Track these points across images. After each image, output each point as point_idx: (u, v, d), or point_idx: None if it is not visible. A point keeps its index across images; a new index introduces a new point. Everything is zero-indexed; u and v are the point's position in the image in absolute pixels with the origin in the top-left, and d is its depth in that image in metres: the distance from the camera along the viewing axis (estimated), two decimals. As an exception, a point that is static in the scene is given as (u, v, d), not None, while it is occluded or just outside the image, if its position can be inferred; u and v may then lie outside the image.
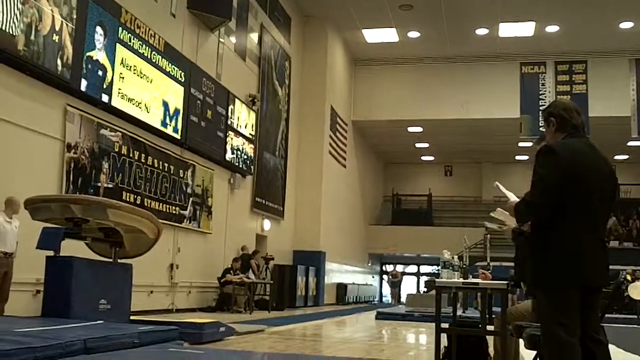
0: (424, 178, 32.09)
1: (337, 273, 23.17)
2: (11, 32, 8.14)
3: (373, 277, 31.22)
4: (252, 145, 16.60)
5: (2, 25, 7.96)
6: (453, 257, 5.36)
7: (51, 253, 6.61)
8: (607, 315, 4.01)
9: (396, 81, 24.08)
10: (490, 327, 5.44)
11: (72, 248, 7.06)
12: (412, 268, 33.13)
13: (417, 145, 28.74)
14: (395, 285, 29.15)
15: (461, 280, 5.14)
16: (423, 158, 31.64)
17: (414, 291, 28.32)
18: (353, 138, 25.22)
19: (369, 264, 30.03)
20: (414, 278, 32.81)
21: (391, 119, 24.35)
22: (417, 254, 29.99)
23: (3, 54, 8.16)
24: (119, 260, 7.49)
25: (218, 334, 7.80)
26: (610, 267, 3.62)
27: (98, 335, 4.65)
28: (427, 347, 8.37)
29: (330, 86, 21.72)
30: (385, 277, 32.90)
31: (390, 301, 30.05)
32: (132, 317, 7.46)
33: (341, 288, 23.45)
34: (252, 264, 15.27)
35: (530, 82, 20.86)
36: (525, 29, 21.22)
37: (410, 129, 25.91)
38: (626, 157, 27.24)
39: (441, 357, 5.57)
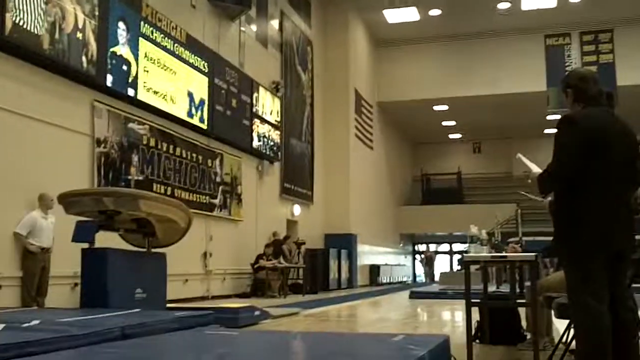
0: (452, 156, 31.90)
1: (369, 255, 23.24)
2: (36, 32, 8.30)
3: (405, 257, 31.22)
4: (278, 132, 16.68)
5: (27, 25, 8.12)
6: (480, 232, 5.37)
7: (86, 245, 6.77)
8: (635, 285, 4.00)
9: (419, 60, 23.91)
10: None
11: (106, 240, 7.22)
12: (445, 247, 33.04)
13: (444, 123, 28.55)
14: (428, 265, 29.13)
15: (489, 254, 5.15)
16: (450, 136, 31.43)
17: (447, 270, 28.28)
18: (379, 120, 25.15)
19: (401, 245, 30.04)
20: (447, 257, 32.74)
21: (416, 99, 24.20)
22: (449, 233, 29.88)
23: (30, 54, 8.33)
24: (152, 250, 7.63)
25: (253, 318, 7.94)
26: (637, 237, 3.61)
27: (135, 322, 4.77)
28: (462, 323, 8.41)
29: (354, 69, 21.66)
30: (417, 257, 32.90)
31: (423, 280, 30.06)
32: (168, 305, 7.62)
33: (374, 269, 23.51)
34: (283, 249, 15.40)
35: (555, 55, 20.57)
36: (547, 0, 20.86)
37: (436, 108, 25.74)
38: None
39: (474, 331, 5.62)
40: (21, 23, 8.02)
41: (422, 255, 29.39)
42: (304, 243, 16.87)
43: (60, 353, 3.62)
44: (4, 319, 4.42)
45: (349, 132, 21.15)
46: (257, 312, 8.12)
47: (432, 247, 32.32)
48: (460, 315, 10.15)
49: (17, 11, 7.95)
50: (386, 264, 25.34)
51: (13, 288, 8.04)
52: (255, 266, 14.29)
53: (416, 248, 33.17)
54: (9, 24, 7.83)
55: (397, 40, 24.05)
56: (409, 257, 32.39)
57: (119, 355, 3.43)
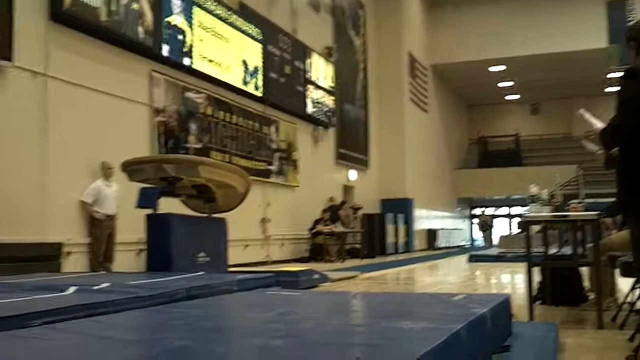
0: (509, 118, 31.27)
1: (426, 219, 23.15)
2: (93, 5, 8.46)
3: (463, 221, 30.97)
4: (332, 97, 16.65)
5: (85, -2, 8.28)
6: (541, 192, 5.27)
7: (150, 211, 6.96)
8: None
9: (474, 21, 23.37)
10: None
11: (169, 206, 7.42)
12: (503, 210, 32.59)
13: (501, 84, 27.93)
14: (486, 229, 28.75)
15: (549, 213, 5.06)
16: (507, 97, 30.74)
17: (506, 233, 27.94)
18: (433, 82, 24.80)
19: (458, 209, 29.78)
20: (506, 220, 32.31)
21: (471, 60, 23.75)
22: (507, 196, 29.44)
23: (88, 26, 8.51)
24: (213, 215, 7.80)
25: (313, 281, 8.05)
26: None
27: (199, 284, 4.91)
28: (522, 285, 8.33)
29: (407, 31, 21.35)
30: (475, 220, 32.55)
31: (482, 244, 29.79)
32: (229, 269, 7.80)
33: (431, 234, 23.44)
34: (340, 214, 15.50)
35: (616, 10, 19.78)
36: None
37: (492, 69, 25.19)
38: None
39: (536, 292, 5.57)
40: (79, -4, 8.19)
41: (479, 219, 28.99)
42: (360, 208, 16.93)
43: (129, 312, 3.77)
44: (75, 282, 4.61)
45: (403, 96, 20.94)
46: (316, 275, 8.23)
47: (490, 210, 31.91)
48: (520, 278, 10.04)
49: (75, -16, 8.11)
50: (443, 228, 25.21)
51: (81, 254, 8.36)
52: (313, 231, 14.44)
53: (474, 212, 32.81)
54: (68, -2, 8.01)
55: (451, 0, 23.53)
56: (467, 221, 32.11)
57: (185, 313, 3.54)
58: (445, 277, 11.04)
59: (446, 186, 26.82)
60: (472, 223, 32.79)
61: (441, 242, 24.23)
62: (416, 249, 21.12)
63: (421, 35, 23.29)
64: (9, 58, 7.28)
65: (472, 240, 32.41)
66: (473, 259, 14.80)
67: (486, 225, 28.57)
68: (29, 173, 7.66)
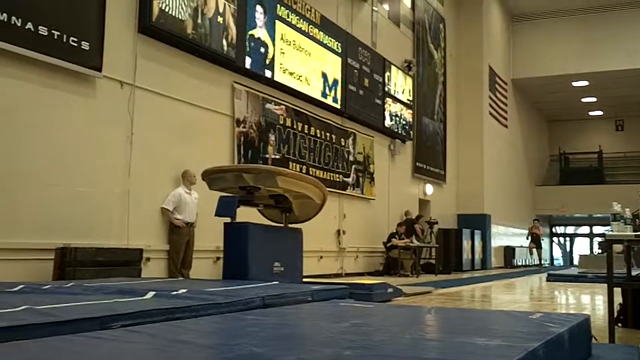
0: (592, 134, 30.18)
1: (503, 236, 22.62)
2: (180, 18, 8.75)
3: (542, 239, 30.02)
4: (410, 111, 16.57)
5: (172, 11, 8.58)
6: (624, 210, 5.06)
7: (228, 220, 7.11)
8: None
9: (557, 34, 22.79)
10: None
11: (246, 215, 7.55)
12: (584, 229, 31.46)
13: (584, 100, 27.06)
14: (534, 241, 23.46)
15: (632, 233, 4.86)
16: (591, 113, 29.72)
17: (587, 252, 26.91)
18: (514, 97, 24.31)
19: (537, 227, 28.91)
20: (586, 239, 31.16)
21: (554, 75, 23.15)
22: (589, 214, 28.40)
23: (174, 39, 8.80)
24: (289, 225, 7.89)
25: (386, 295, 8.00)
26: None
27: (274, 292, 4.97)
28: (603, 306, 8.02)
29: (488, 45, 21.03)
30: (555, 239, 31.50)
31: (561, 263, 28.79)
32: (304, 280, 7.86)
33: (509, 251, 22.88)
34: (416, 229, 15.36)
35: None
36: None
37: (575, 84, 24.48)
38: None
39: (616, 314, 5.36)
40: (167, 9, 8.50)
41: (528, 230, 23.45)
42: (436, 222, 16.73)
43: (205, 318, 3.86)
44: (153, 288, 4.76)
45: (483, 110, 20.60)
46: (390, 289, 8.18)
47: (570, 229, 30.71)
48: (601, 299, 9.67)
49: (163, -1, 8.42)
50: (522, 246, 24.54)
51: (160, 260, 8.60)
52: (388, 245, 14.36)
53: (554, 230, 31.79)
54: (155, 11, 8.32)
55: (533, 14, 23.07)
56: (546, 239, 31.15)
57: (261, 321, 3.60)
58: (522, 295, 10.75)
59: (525, 203, 26.14)
60: (552, 241, 31.77)
61: (519, 260, 23.58)
62: (493, 266, 20.65)
63: (502, 49, 22.89)
64: (99, 69, 7.61)
65: (552, 259, 31.40)
66: (551, 278, 14.34)
67: (535, 238, 23.05)
68: (115, 179, 7.97)
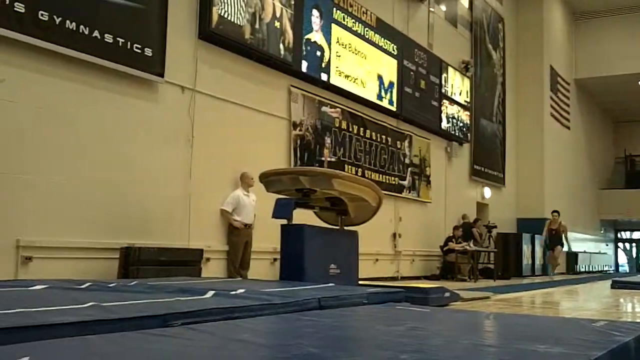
0: (661, 136, 29.17)
1: (565, 241, 22.03)
2: (239, 23, 8.90)
3: (607, 245, 29.17)
4: (468, 113, 16.37)
5: (230, 17, 8.74)
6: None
7: (284, 222, 7.18)
8: None
9: (622, 32, 22.10)
10: None
11: (302, 217, 7.61)
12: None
13: (653, 100, 26.19)
14: (553, 242, 18.14)
15: None
16: (660, 114, 28.74)
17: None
18: (576, 97, 23.70)
19: (602, 231, 28.09)
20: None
21: (619, 74, 22.44)
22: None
23: (233, 44, 8.95)
24: (345, 228, 7.91)
25: (443, 299, 7.89)
26: None
27: (330, 294, 4.99)
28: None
29: (548, 45, 20.58)
30: (620, 245, 30.54)
31: (627, 270, 27.92)
32: (359, 282, 7.85)
33: (571, 257, 22.27)
34: (473, 232, 15.15)
35: None
36: None
37: (643, 83, 23.70)
38: None
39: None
40: (225, 15, 8.65)
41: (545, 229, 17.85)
42: (495, 227, 16.45)
43: (263, 318, 3.91)
44: (213, 287, 4.85)
45: (544, 111, 20.17)
46: (447, 294, 8.08)
47: (637, 234, 29.78)
48: (670, 307, 9.33)
49: (222, 4, 8.59)
50: (585, 252, 23.89)
51: (219, 261, 8.76)
52: (445, 249, 14.21)
53: (619, 235, 30.82)
54: (215, 17, 8.49)
55: (597, 11, 22.44)
56: (611, 245, 30.23)
57: (317, 322, 3.62)
58: (586, 302, 10.46)
59: (588, 207, 25.42)
60: (617, 247, 30.82)
61: (582, 265, 22.96)
62: (555, 271, 20.15)
63: (564, 48, 22.36)
64: (161, 74, 7.81)
65: (617, 265, 30.45)
66: (617, 285, 13.89)
67: (553, 238, 17.60)
68: (176, 181, 8.16)
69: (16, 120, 6.43)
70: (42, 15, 6.43)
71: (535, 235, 18.71)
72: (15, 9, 6.19)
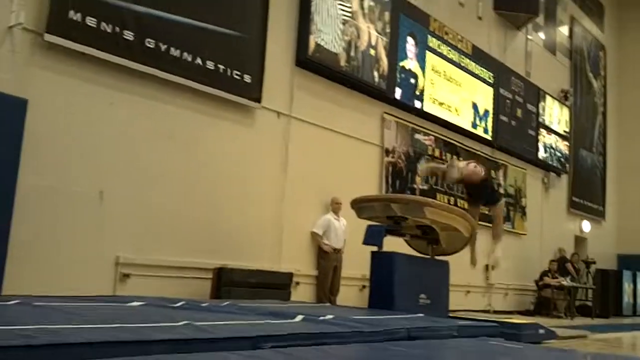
0: None
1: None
2: (334, 51, 9.03)
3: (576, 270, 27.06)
4: (567, 142, 15.84)
5: (327, 45, 8.88)
6: None
7: (375, 248, 7.15)
8: None
9: None
10: None
11: (392, 244, 7.55)
12: None
13: None
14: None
15: None
16: None
17: None
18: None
19: None
20: None
21: None
22: None
23: (329, 71, 9.08)
24: (436, 257, 7.78)
25: (537, 336, 7.61)
26: None
27: (420, 325, 4.91)
28: None
29: (655, 73, 19.66)
30: None
31: None
32: (449, 314, 7.69)
33: (677, 297, 20.93)
34: (568, 267, 14.54)
35: None
36: None
37: None
38: None
39: None
40: (322, 43, 8.81)
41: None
42: (594, 262, 15.74)
43: (350, 346, 3.89)
44: (302, 311, 4.88)
45: (648, 143, 19.23)
46: (541, 331, 7.77)
47: None
48: None
49: (319, 33, 8.75)
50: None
51: (308, 285, 8.79)
52: (540, 283, 13.70)
53: None
54: (312, 45, 8.66)
55: None
56: None
57: (407, 353, 3.57)
58: (694, 347, 9.80)
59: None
60: None
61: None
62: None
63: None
64: (259, 100, 8.02)
65: None
66: None
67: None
68: (269, 204, 8.31)
69: (128, 143, 6.76)
70: (149, 42, 6.75)
71: (637, 272, 17.74)
72: (124, 37, 6.53)
